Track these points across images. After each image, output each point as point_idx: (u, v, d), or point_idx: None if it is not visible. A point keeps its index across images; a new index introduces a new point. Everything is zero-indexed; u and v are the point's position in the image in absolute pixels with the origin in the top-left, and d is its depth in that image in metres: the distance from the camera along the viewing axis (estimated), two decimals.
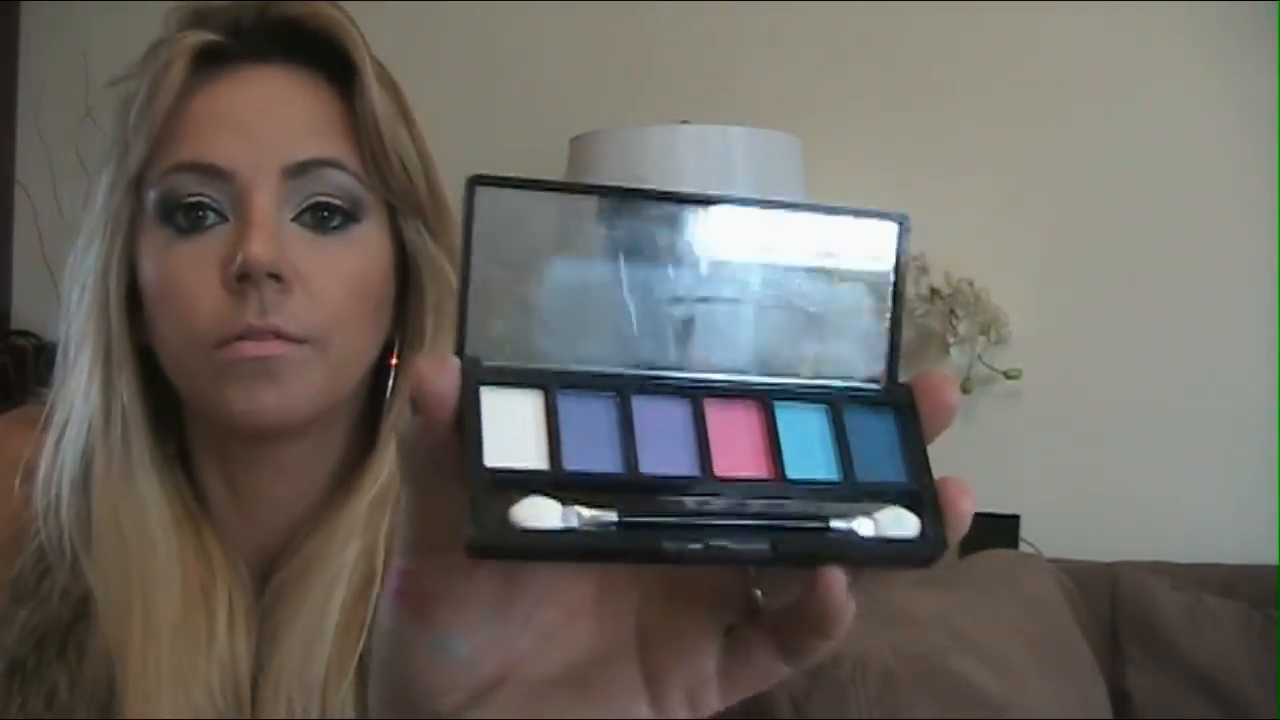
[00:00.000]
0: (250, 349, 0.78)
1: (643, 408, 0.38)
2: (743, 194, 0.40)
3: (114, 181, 0.83)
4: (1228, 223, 2.32)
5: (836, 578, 0.38)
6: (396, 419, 0.86)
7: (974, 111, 2.43)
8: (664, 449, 0.38)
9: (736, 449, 0.38)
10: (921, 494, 0.39)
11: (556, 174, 2.32)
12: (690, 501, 0.37)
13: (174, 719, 0.81)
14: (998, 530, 2.30)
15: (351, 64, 0.83)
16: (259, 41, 0.83)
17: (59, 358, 0.86)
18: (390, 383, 0.87)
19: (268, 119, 0.82)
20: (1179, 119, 2.34)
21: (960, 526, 0.40)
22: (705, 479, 0.38)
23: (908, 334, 2.43)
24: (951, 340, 2.33)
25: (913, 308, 2.33)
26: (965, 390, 2.36)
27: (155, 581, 0.83)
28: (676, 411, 0.39)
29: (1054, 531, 2.29)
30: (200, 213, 0.80)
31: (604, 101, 2.57)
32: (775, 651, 0.41)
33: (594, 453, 0.37)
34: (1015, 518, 2.32)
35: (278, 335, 0.78)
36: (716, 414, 0.39)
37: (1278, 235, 2.27)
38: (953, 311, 2.33)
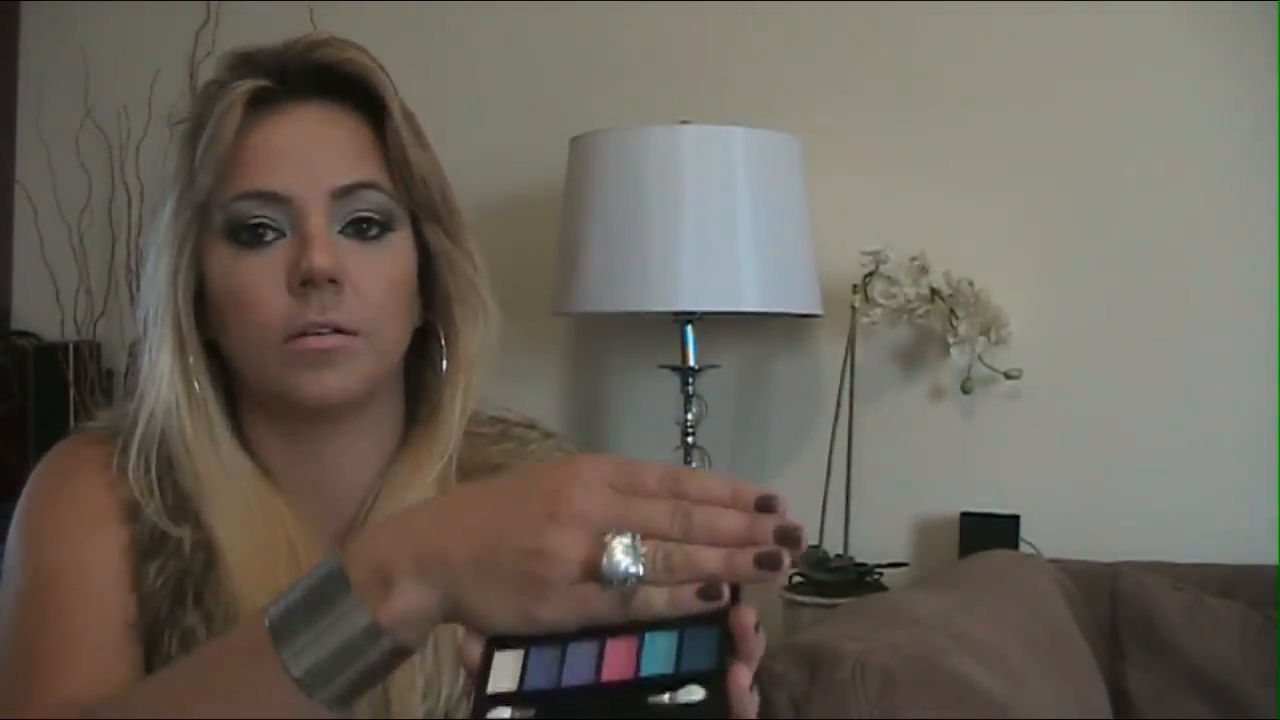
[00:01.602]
0: (315, 342, 0.96)
1: (573, 648, 0.66)
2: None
3: (179, 206, 1.00)
4: (1228, 223, 2.32)
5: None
6: (451, 397, 1.06)
7: (974, 112, 2.43)
8: (577, 669, 0.66)
9: (617, 664, 0.65)
10: (717, 674, 0.63)
11: (557, 174, 2.32)
12: (583, 698, 0.65)
13: None
14: (998, 530, 2.30)
15: (382, 102, 1.00)
16: (302, 84, 1.01)
17: (141, 356, 1.03)
18: (444, 360, 1.06)
19: (315, 151, 0.99)
20: (1179, 119, 2.34)
21: (752, 646, 0.65)
22: (597, 683, 0.65)
23: (908, 334, 2.44)
24: (951, 340, 2.33)
25: (913, 307, 2.33)
26: (965, 390, 2.36)
27: (264, 522, 1.01)
28: (591, 648, 0.66)
29: (1054, 531, 2.29)
30: (261, 231, 0.97)
31: (604, 101, 2.57)
32: None
33: (540, 677, 0.66)
34: (1015, 518, 2.32)
35: (336, 330, 0.96)
36: (611, 645, 0.66)
37: (1278, 236, 2.27)
38: (953, 311, 2.33)
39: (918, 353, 2.45)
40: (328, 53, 1.01)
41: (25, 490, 1.02)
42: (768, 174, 2.23)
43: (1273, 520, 2.19)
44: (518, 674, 0.66)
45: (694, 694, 0.63)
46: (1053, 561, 2.17)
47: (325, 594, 0.70)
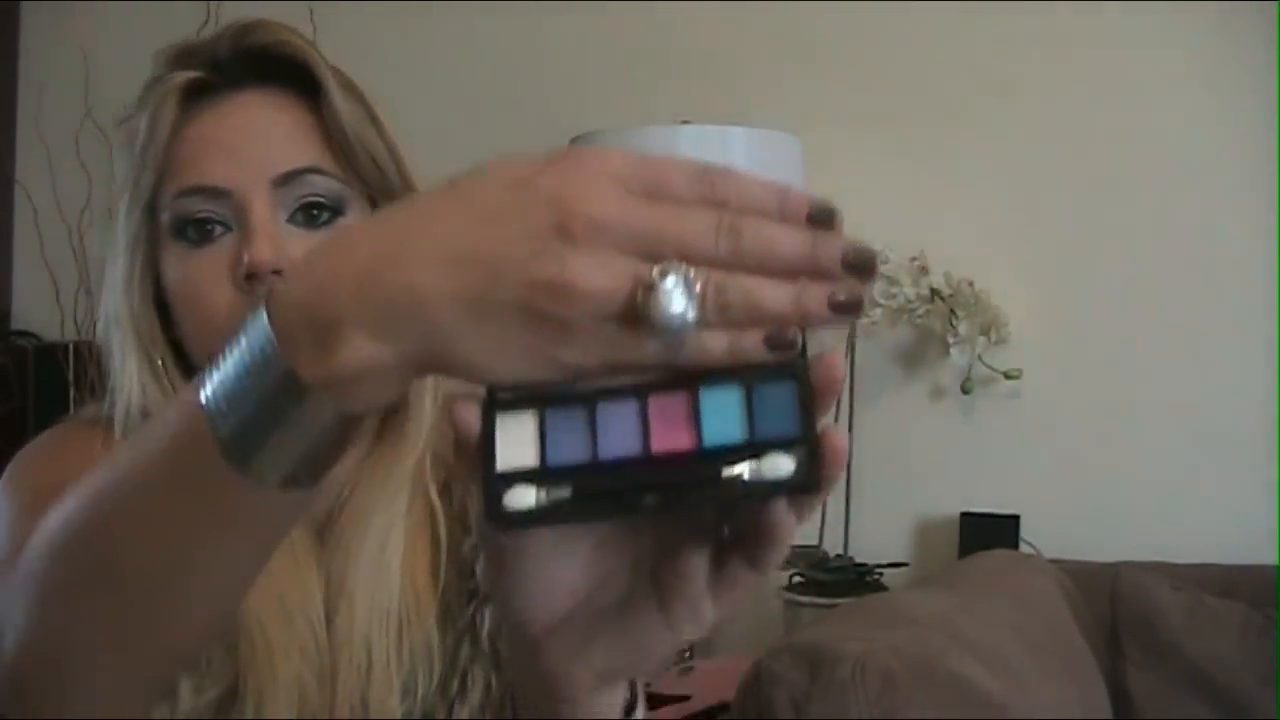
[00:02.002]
0: None
1: (605, 408, 0.52)
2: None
3: (130, 208, 0.96)
4: (1228, 223, 2.32)
5: (776, 505, 0.53)
6: (420, 385, 0.98)
7: (974, 112, 2.43)
8: (618, 438, 0.52)
9: (669, 430, 0.52)
10: (806, 442, 0.50)
11: None
12: (629, 473, 0.51)
13: (286, 643, 0.92)
14: (998, 530, 2.30)
15: (317, 81, 0.96)
16: (236, 72, 0.97)
17: (107, 360, 0.99)
18: None
19: (253, 140, 0.95)
20: (1179, 119, 2.34)
21: (835, 461, 0.51)
22: (644, 456, 0.51)
23: (908, 334, 2.44)
24: (951, 340, 2.33)
25: (913, 308, 2.33)
26: (965, 390, 2.36)
27: None
28: (629, 406, 0.52)
29: (1054, 531, 2.29)
30: (209, 227, 0.94)
31: (604, 101, 2.57)
32: (746, 564, 0.55)
33: (569, 449, 0.52)
34: (1015, 518, 2.32)
35: None
36: (656, 404, 0.52)
37: (1278, 235, 2.27)
38: (953, 311, 2.33)
39: (918, 353, 2.45)
40: (259, 37, 0.97)
41: (13, 460, 0.98)
42: (768, 174, 2.22)
43: (1273, 520, 2.19)
44: (536, 443, 0.52)
45: (781, 465, 0.50)
46: (1053, 561, 2.17)
47: (250, 350, 0.55)
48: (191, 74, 0.96)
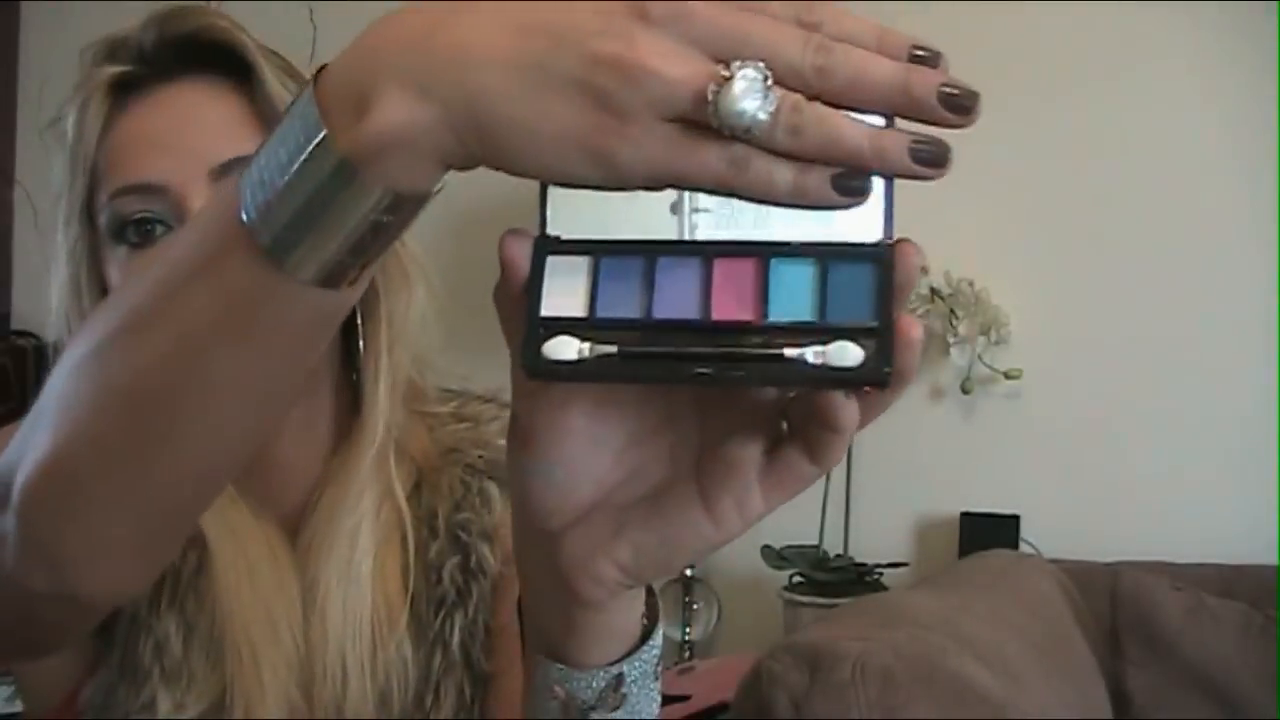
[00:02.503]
0: None
1: (666, 265, 0.49)
2: None
3: (68, 214, 0.92)
4: (1228, 223, 2.32)
5: (838, 396, 0.48)
6: (374, 374, 0.94)
7: None
8: (676, 298, 0.48)
9: (732, 298, 0.48)
10: (880, 330, 0.47)
11: None
12: (683, 338, 0.47)
13: (273, 656, 0.89)
14: (998, 530, 2.30)
15: (247, 64, 0.90)
16: (165, 62, 0.92)
17: None
18: (360, 341, 0.94)
19: (187, 131, 0.90)
20: (1179, 119, 2.34)
21: (910, 352, 0.47)
22: (703, 321, 0.48)
23: None
24: (951, 340, 2.33)
25: (913, 308, 2.33)
26: (965, 390, 2.36)
27: (236, 529, 0.91)
28: (691, 267, 0.49)
29: (1054, 531, 2.29)
30: (148, 227, 0.88)
31: None
32: (805, 455, 0.50)
33: (620, 302, 0.48)
34: (1015, 518, 2.32)
35: None
36: (722, 269, 0.49)
37: (1278, 236, 2.27)
38: (953, 311, 2.33)
39: None
40: (184, 24, 0.92)
41: None
42: None
43: (1273, 520, 2.19)
44: (586, 292, 0.49)
45: (850, 353, 0.46)
46: (1053, 561, 2.17)
47: (289, 129, 0.50)
48: (117, 68, 0.92)
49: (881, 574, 2.29)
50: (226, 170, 0.88)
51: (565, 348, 0.47)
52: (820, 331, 0.47)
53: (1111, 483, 2.34)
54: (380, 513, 0.94)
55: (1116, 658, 2.01)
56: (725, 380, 0.47)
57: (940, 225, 2.43)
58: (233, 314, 0.53)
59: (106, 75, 0.91)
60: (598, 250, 0.49)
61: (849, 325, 0.47)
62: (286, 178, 0.49)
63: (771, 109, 0.44)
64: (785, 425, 0.51)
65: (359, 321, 0.94)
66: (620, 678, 0.57)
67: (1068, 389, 2.38)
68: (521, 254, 0.50)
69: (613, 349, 0.47)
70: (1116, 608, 2.03)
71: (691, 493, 0.52)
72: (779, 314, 0.47)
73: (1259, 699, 1.92)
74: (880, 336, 0.46)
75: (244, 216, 0.50)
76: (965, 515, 2.36)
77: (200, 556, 0.92)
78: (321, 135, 0.48)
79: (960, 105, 0.46)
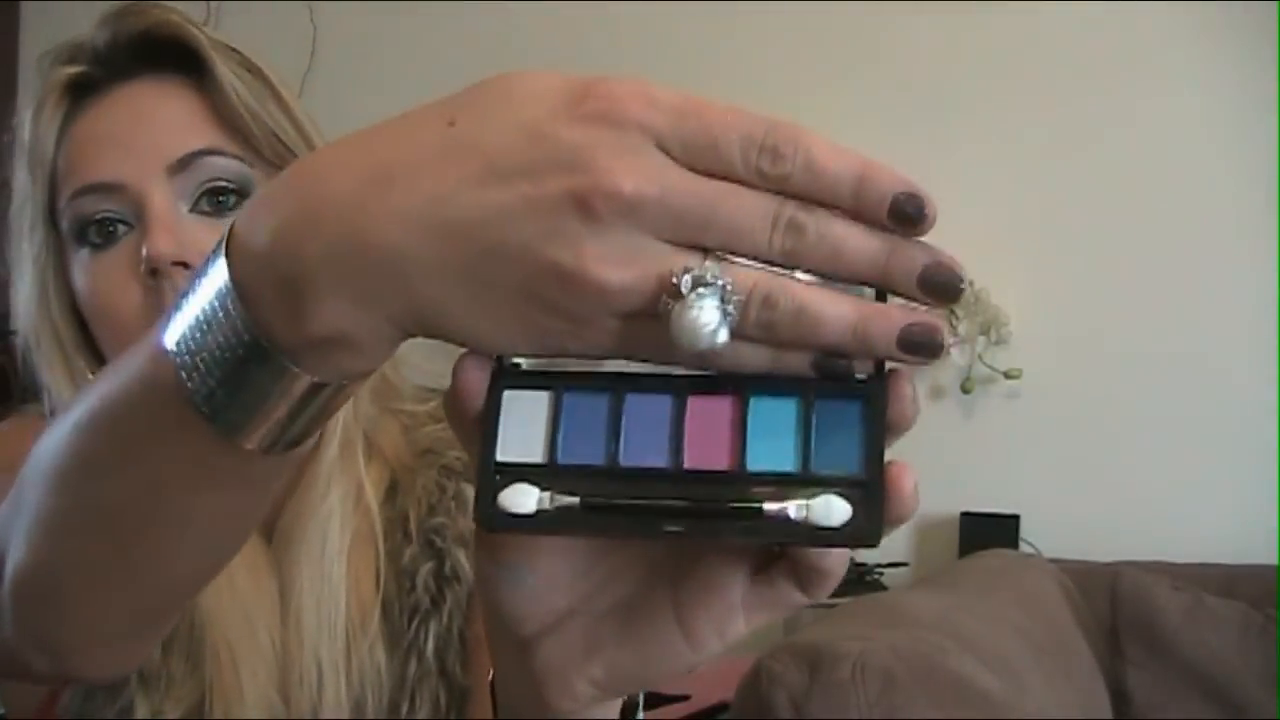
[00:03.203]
0: None
1: (634, 403, 0.45)
2: None
3: (33, 220, 0.91)
4: (1228, 223, 2.32)
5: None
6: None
7: (974, 113, 2.43)
8: (645, 442, 0.44)
9: (706, 442, 0.44)
10: (868, 483, 0.42)
11: None
12: (653, 488, 0.43)
13: (253, 661, 0.88)
14: (998, 530, 2.30)
15: (201, 60, 0.90)
16: (120, 63, 0.91)
17: (38, 375, 0.93)
18: None
19: (142, 128, 0.89)
20: (1179, 119, 2.34)
21: (902, 508, 0.42)
22: (674, 470, 0.43)
23: None
24: (951, 340, 2.33)
25: (913, 308, 2.33)
26: (965, 390, 2.36)
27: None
28: (662, 406, 0.44)
29: (1054, 531, 2.29)
30: (110, 227, 0.87)
31: None
32: (794, 585, 0.47)
33: (584, 447, 0.44)
34: (1015, 518, 2.32)
35: None
36: (696, 407, 0.44)
37: (1278, 236, 2.27)
38: (953, 311, 2.33)
39: None
40: (137, 21, 0.91)
41: None
42: None
43: (1273, 520, 2.19)
44: (546, 433, 0.45)
45: (835, 510, 0.42)
46: (1053, 561, 2.17)
47: (212, 302, 0.47)
48: (72, 70, 0.91)
49: (881, 574, 2.29)
50: (183, 166, 0.87)
51: (524, 497, 0.43)
52: (803, 483, 0.42)
53: (1111, 483, 2.34)
54: (350, 510, 0.92)
55: (1116, 658, 2.01)
56: (698, 536, 0.43)
57: (941, 226, 2.43)
58: (192, 472, 0.52)
59: (61, 77, 0.92)
60: (559, 384, 0.45)
61: (834, 476, 0.42)
62: (222, 369, 0.47)
63: (731, 327, 0.41)
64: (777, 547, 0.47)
65: None
66: None
67: (1068, 389, 2.38)
68: (476, 383, 0.46)
69: (575, 500, 0.43)
70: (1116, 608, 2.03)
71: (667, 610, 0.48)
72: (758, 462, 0.43)
73: (1259, 699, 1.92)
74: (868, 489, 0.42)
75: (191, 398, 0.48)
76: (965, 515, 2.36)
77: None
78: (249, 331, 0.46)
79: (943, 289, 0.43)
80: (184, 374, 0.48)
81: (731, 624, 0.48)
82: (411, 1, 2.73)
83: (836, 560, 0.45)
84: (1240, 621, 1.99)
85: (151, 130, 0.88)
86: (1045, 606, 1.90)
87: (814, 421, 0.43)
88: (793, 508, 0.42)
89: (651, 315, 0.42)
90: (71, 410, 0.57)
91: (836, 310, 0.42)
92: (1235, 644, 1.97)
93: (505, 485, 0.44)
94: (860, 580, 2.27)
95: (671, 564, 0.48)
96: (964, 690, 1.33)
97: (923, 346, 0.42)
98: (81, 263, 0.89)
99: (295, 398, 0.48)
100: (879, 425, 0.43)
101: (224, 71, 0.90)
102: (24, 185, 0.91)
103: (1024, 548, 2.28)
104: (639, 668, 0.49)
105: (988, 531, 2.30)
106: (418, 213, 0.42)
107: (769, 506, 0.42)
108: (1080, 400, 2.37)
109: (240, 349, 0.46)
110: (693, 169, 0.42)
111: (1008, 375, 2.35)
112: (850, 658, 1.29)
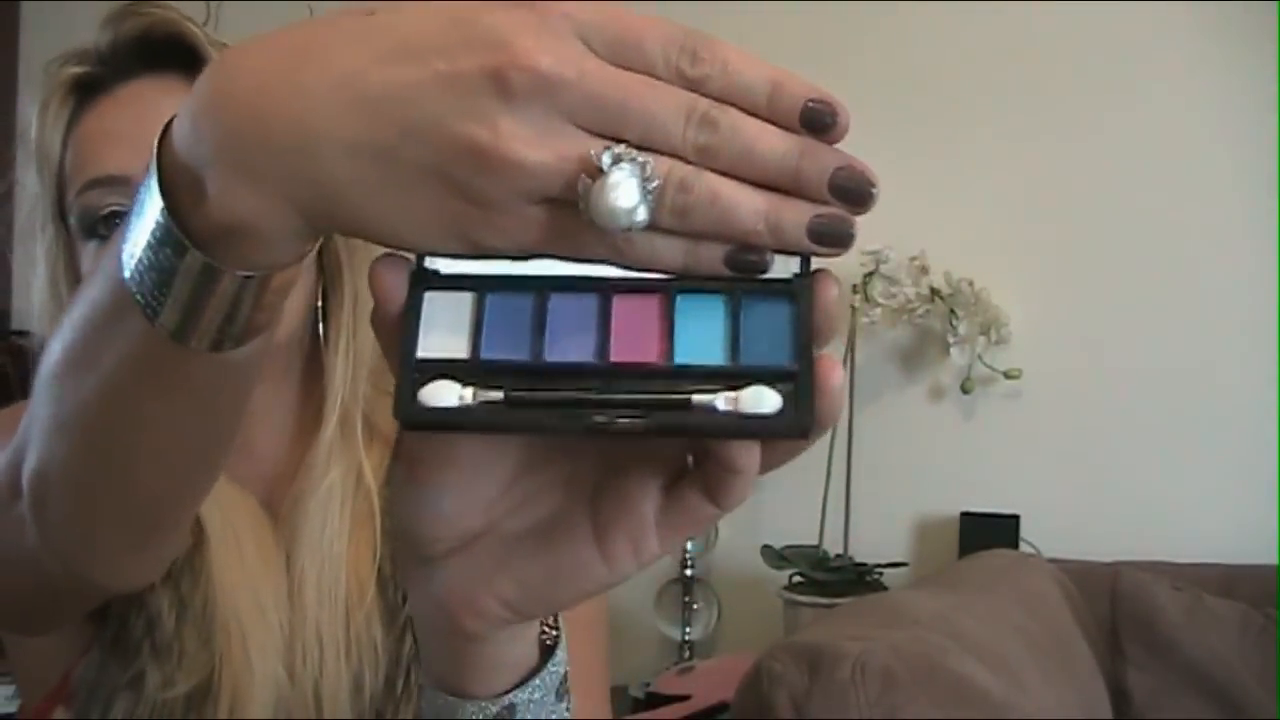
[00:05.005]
0: None
1: (558, 303, 0.44)
2: None
3: (43, 218, 0.94)
4: (1228, 222, 2.32)
5: (747, 444, 0.44)
6: (335, 347, 0.95)
7: (974, 112, 2.43)
8: (570, 339, 0.44)
9: (633, 338, 0.44)
10: (798, 375, 0.42)
11: None
12: (579, 384, 0.43)
13: (262, 638, 0.91)
14: (998, 530, 2.30)
15: (201, 58, 0.92)
16: (123, 62, 0.94)
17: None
18: (321, 324, 0.96)
19: (146, 123, 0.90)
20: (1179, 119, 2.34)
21: (831, 400, 0.43)
22: (601, 365, 0.43)
23: (908, 334, 2.44)
24: (951, 340, 2.33)
25: (913, 307, 2.33)
26: (965, 390, 2.37)
27: (225, 507, 0.93)
28: (587, 305, 0.44)
29: (1054, 531, 2.29)
30: (118, 220, 0.89)
31: None
32: (705, 496, 0.46)
33: (508, 343, 0.44)
34: (1015, 518, 2.32)
35: None
36: (622, 306, 0.44)
37: (1278, 236, 2.27)
38: (953, 311, 2.33)
39: (918, 353, 2.45)
40: (136, 22, 0.94)
41: None
42: None
43: (1273, 520, 2.19)
44: (469, 330, 0.44)
45: (765, 400, 0.42)
46: (1053, 561, 2.17)
47: (143, 198, 0.47)
48: (75, 69, 0.94)
49: (881, 574, 2.29)
50: None
51: (445, 393, 0.42)
52: (732, 375, 0.42)
53: (1111, 483, 2.34)
54: (351, 489, 0.95)
55: (1116, 658, 2.01)
56: (624, 430, 0.42)
57: (940, 225, 2.43)
58: (142, 371, 0.53)
59: (66, 76, 0.94)
60: (482, 285, 0.45)
61: (764, 369, 0.43)
62: (148, 255, 0.47)
63: (651, 206, 0.41)
64: (691, 459, 0.47)
65: (320, 290, 0.96)
66: (511, 707, 0.53)
67: (1068, 389, 2.38)
68: (395, 284, 0.45)
69: (498, 395, 0.42)
70: (1116, 608, 2.03)
71: (585, 527, 0.48)
72: (686, 356, 0.43)
73: (1259, 699, 1.92)
74: (799, 382, 0.42)
75: (134, 297, 0.48)
76: (965, 515, 2.36)
77: (195, 535, 0.93)
78: (164, 217, 0.46)
79: (853, 193, 0.43)
80: (126, 274, 0.48)
81: (646, 542, 0.47)
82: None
83: (748, 458, 0.44)
84: (1240, 621, 1.99)
85: (155, 125, 0.89)
86: (1045, 606, 1.90)
87: (742, 318, 0.44)
88: (722, 399, 0.42)
89: (569, 204, 0.41)
90: (59, 327, 0.59)
91: (749, 199, 0.42)
92: (1235, 644, 1.97)
93: (426, 381, 0.43)
94: (860, 580, 2.27)
95: (588, 483, 0.48)
96: (964, 690, 1.33)
97: (833, 236, 0.43)
98: (90, 255, 0.91)
99: (223, 294, 0.47)
100: (807, 321, 0.43)
101: None
102: (33, 185, 0.94)
103: (1024, 548, 2.28)
104: (552, 587, 0.48)
105: (988, 531, 2.30)
106: (327, 88, 0.42)
107: (698, 398, 0.42)
108: (1080, 400, 2.37)
109: (166, 244, 0.46)
110: (614, 65, 0.42)
111: (1008, 375, 2.35)
112: (850, 658, 1.29)
